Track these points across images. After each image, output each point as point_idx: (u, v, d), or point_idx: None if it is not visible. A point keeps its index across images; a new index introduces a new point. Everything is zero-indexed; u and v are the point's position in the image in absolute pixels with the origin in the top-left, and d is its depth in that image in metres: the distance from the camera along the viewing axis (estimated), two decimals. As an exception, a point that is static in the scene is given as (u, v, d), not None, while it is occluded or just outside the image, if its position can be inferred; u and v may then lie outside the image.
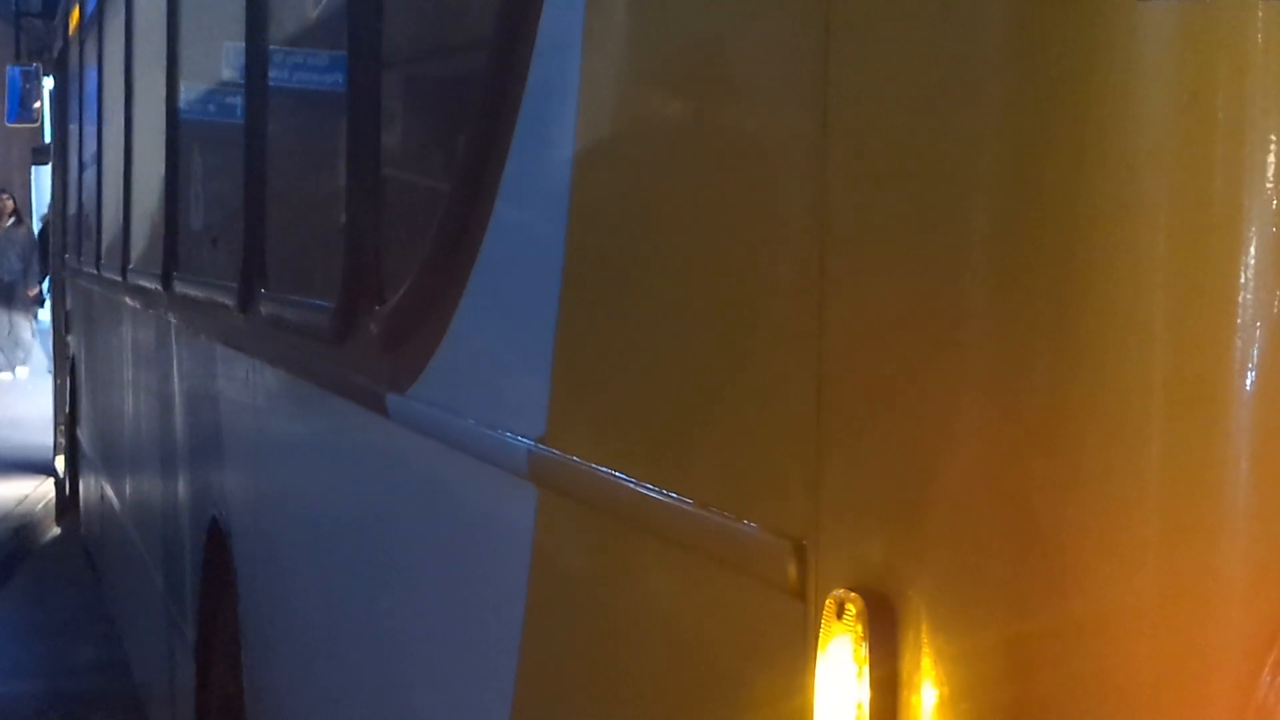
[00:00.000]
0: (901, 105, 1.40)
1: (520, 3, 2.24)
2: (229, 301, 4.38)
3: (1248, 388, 1.22)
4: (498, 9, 2.36)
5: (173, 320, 5.76)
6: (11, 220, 20.78)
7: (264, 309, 4.08)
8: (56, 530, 11.75)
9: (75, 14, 10.52)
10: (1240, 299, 1.21)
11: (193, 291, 5.29)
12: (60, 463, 11.99)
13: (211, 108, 5.63)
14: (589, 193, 2.08)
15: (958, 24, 1.33)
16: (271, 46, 4.23)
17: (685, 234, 1.82)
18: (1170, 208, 1.22)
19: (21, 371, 20.80)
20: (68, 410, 11.34)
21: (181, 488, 5.60)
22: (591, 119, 2.08)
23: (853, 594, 1.39)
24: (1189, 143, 1.21)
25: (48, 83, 13.13)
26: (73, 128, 11.17)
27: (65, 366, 11.52)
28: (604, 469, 1.96)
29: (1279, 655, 1.21)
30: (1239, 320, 1.21)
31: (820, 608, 1.44)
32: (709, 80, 1.76)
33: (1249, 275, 1.21)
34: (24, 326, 20.94)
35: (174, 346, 5.82)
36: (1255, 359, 1.22)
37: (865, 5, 1.45)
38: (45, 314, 20.89)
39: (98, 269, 8.68)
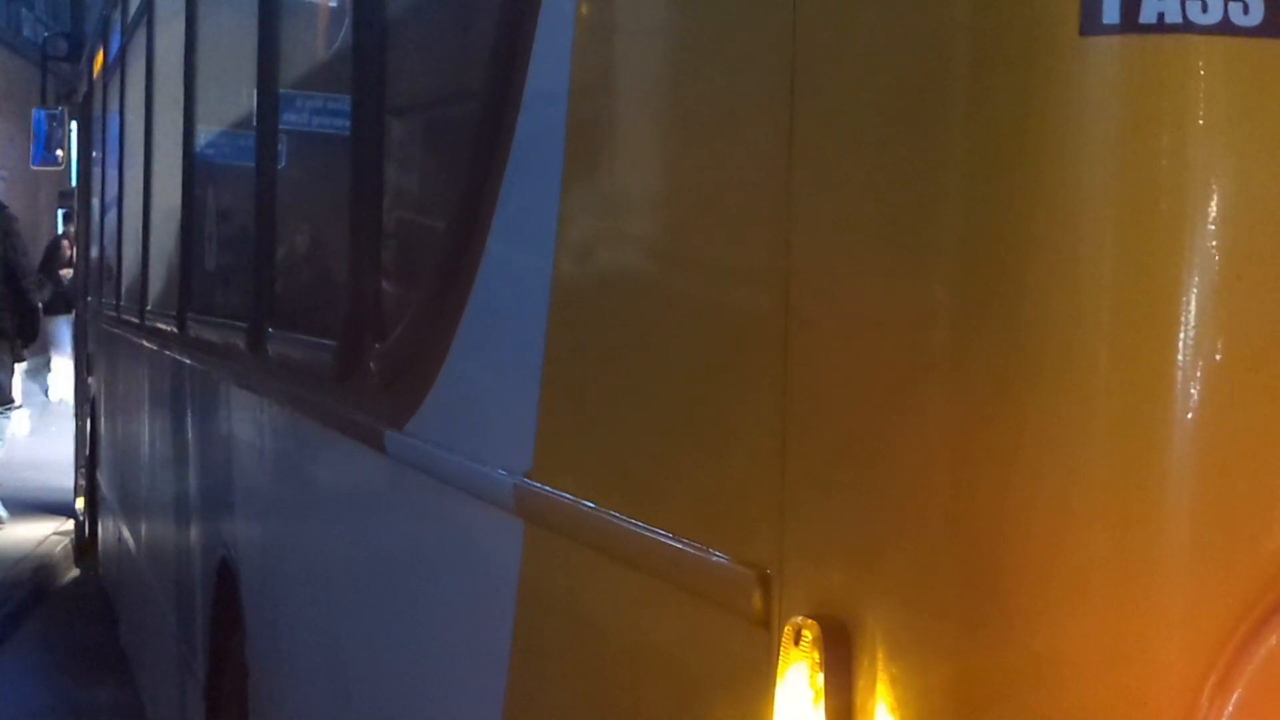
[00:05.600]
0: (864, 139, 1.44)
1: (508, 56, 2.29)
2: (239, 342, 4.43)
3: (1195, 430, 1.25)
4: (487, 62, 2.41)
5: (187, 361, 5.81)
6: None
7: (272, 349, 4.11)
8: (76, 571, 11.77)
9: (99, 58, 10.61)
10: (1180, 335, 1.24)
11: (206, 333, 5.34)
12: (80, 504, 12.03)
13: (224, 152, 5.69)
14: (574, 237, 2.13)
15: (916, 40, 1.37)
16: (281, 92, 4.28)
17: (663, 280, 1.87)
18: (1115, 240, 1.25)
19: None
20: (88, 452, 11.38)
21: (193, 528, 5.63)
22: (577, 167, 2.12)
23: (810, 621, 1.41)
24: (1133, 172, 1.25)
25: (73, 126, 13.20)
26: (95, 171, 11.26)
27: (86, 408, 11.57)
28: (586, 503, 1.99)
29: (1216, 682, 1.24)
30: (1180, 357, 1.24)
31: (782, 635, 1.46)
32: (690, 127, 1.80)
33: (1190, 306, 1.24)
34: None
35: (188, 388, 5.86)
36: (1198, 398, 1.24)
37: (830, 25, 1.49)
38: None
39: (117, 311, 8.74)
